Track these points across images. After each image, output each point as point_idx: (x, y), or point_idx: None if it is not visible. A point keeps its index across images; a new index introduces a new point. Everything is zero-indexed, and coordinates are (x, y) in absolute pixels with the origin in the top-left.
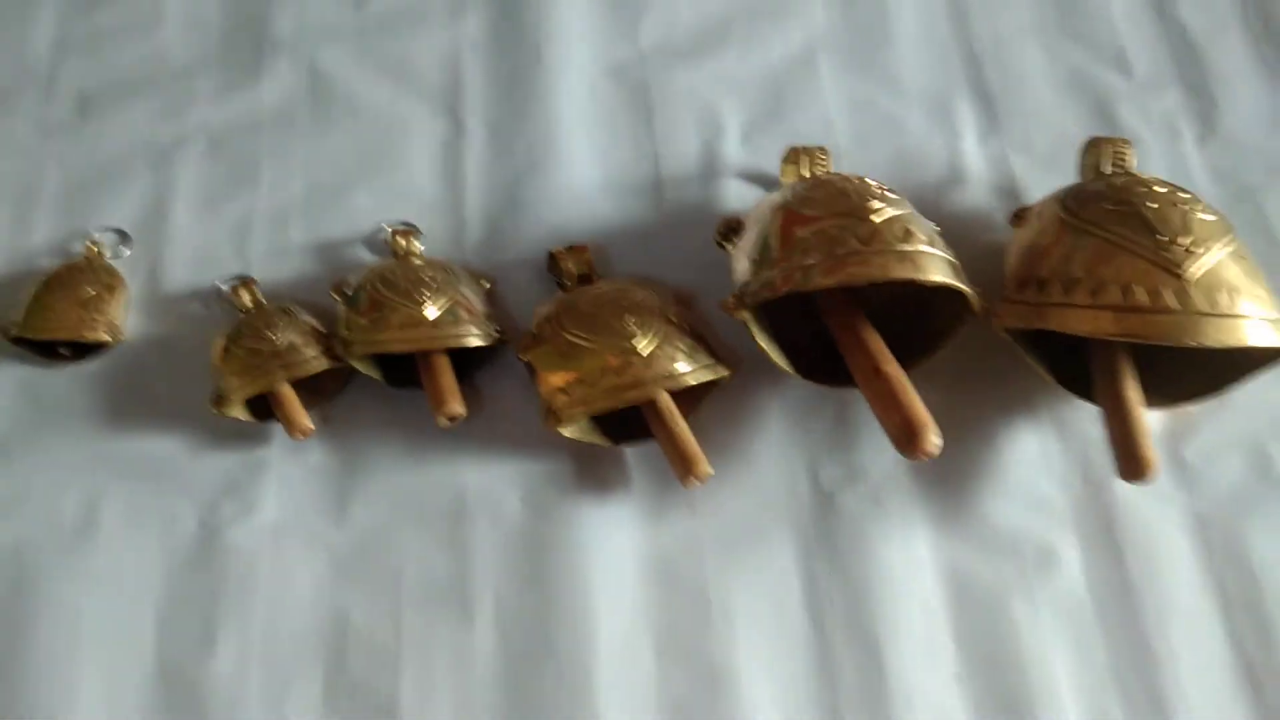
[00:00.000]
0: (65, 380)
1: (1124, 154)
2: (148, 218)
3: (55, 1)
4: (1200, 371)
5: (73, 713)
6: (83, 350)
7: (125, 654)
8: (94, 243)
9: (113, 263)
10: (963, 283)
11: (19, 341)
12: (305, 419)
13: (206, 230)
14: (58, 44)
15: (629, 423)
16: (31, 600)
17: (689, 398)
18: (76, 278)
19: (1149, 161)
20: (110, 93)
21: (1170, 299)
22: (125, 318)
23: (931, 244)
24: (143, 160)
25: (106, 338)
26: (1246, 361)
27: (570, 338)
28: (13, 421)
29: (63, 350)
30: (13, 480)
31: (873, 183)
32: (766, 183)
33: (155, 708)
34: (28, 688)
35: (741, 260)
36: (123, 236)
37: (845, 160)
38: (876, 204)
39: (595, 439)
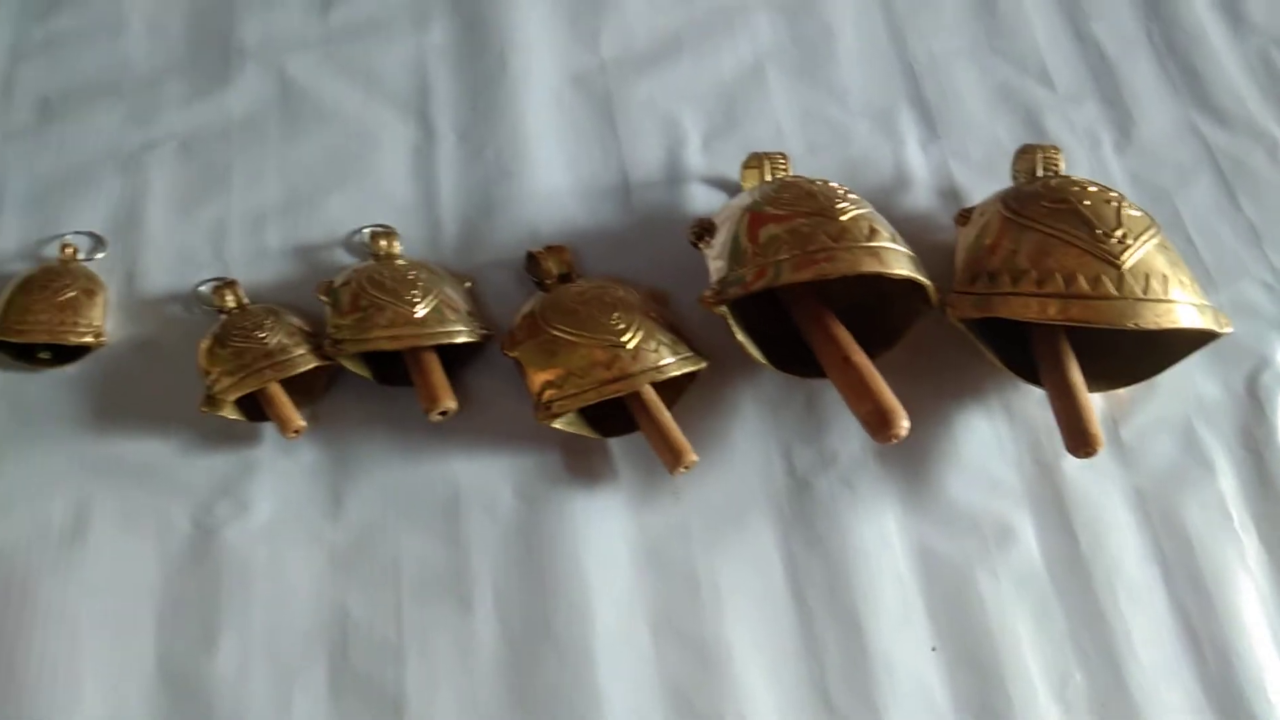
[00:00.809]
0: (47, 384)
1: (1054, 159)
2: (121, 221)
3: (10, 5)
4: (1129, 357)
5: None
6: (63, 354)
7: (126, 659)
8: (69, 245)
9: (88, 266)
10: (923, 276)
11: None
12: (298, 417)
13: (182, 234)
14: (13, 49)
15: (608, 415)
16: (25, 607)
17: (668, 391)
18: (54, 280)
19: (1074, 167)
20: (73, 98)
21: (1110, 286)
22: (105, 320)
23: (894, 241)
24: (111, 165)
25: (90, 340)
26: (1171, 346)
27: (557, 333)
28: None
29: (42, 354)
30: None
31: (834, 184)
32: (727, 187)
33: (160, 711)
34: (27, 696)
35: (715, 258)
36: (97, 240)
37: (798, 166)
38: (841, 204)
39: (583, 431)
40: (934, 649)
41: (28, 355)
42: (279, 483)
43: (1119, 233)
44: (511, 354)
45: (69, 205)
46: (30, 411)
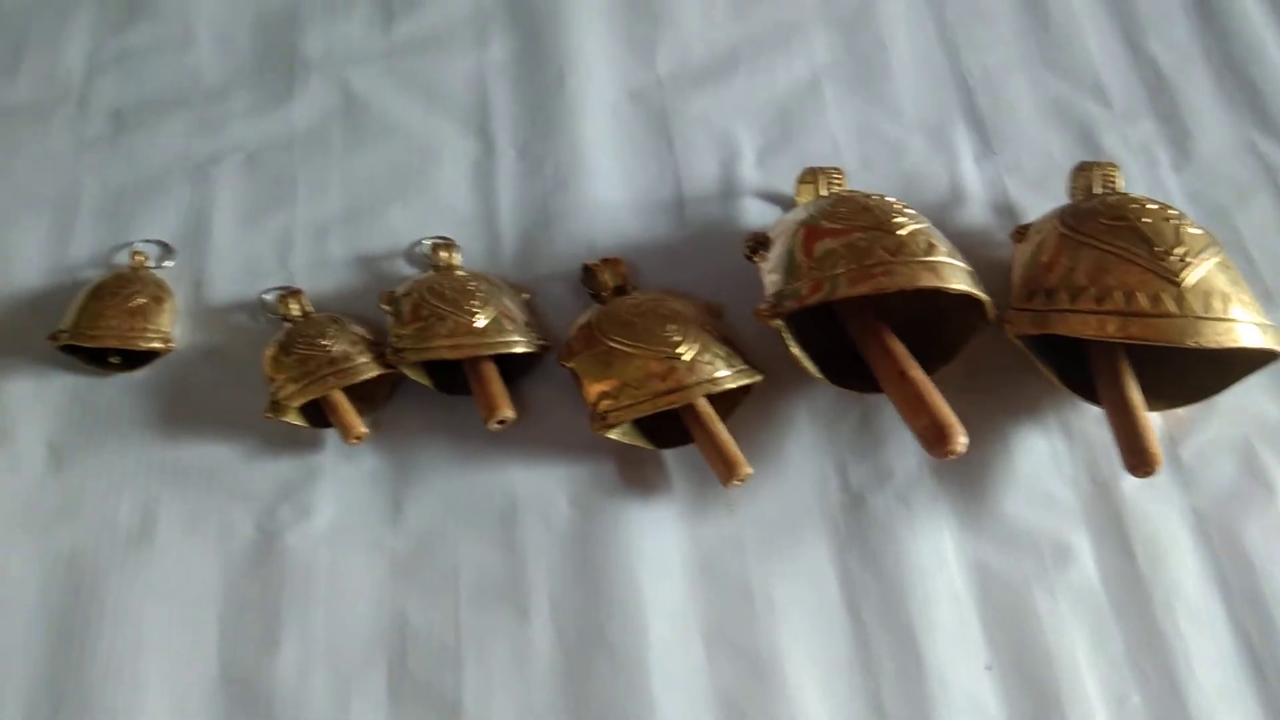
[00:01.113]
0: (116, 388)
1: (1112, 176)
2: (190, 230)
3: (87, 20)
4: (1189, 376)
5: (140, 718)
6: (132, 359)
7: (189, 659)
8: (139, 253)
9: (157, 274)
10: (981, 291)
11: (68, 349)
12: (360, 424)
13: (249, 243)
14: (90, 61)
15: (662, 426)
16: (92, 607)
17: (723, 403)
18: (125, 287)
19: (1132, 185)
20: (144, 109)
21: (1170, 304)
22: (174, 327)
23: (951, 256)
24: (180, 175)
25: (159, 346)
26: (1231, 365)
27: (613, 344)
28: (65, 429)
29: (112, 359)
30: (67, 488)
31: (890, 199)
32: (781, 202)
33: (221, 712)
34: (93, 694)
35: (771, 272)
36: (165, 248)
37: (853, 181)
38: (898, 218)
39: (638, 442)
40: (989, 667)
41: (99, 360)
42: (341, 489)
43: (1179, 251)
44: (568, 365)
45: (140, 214)
46: (100, 415)
